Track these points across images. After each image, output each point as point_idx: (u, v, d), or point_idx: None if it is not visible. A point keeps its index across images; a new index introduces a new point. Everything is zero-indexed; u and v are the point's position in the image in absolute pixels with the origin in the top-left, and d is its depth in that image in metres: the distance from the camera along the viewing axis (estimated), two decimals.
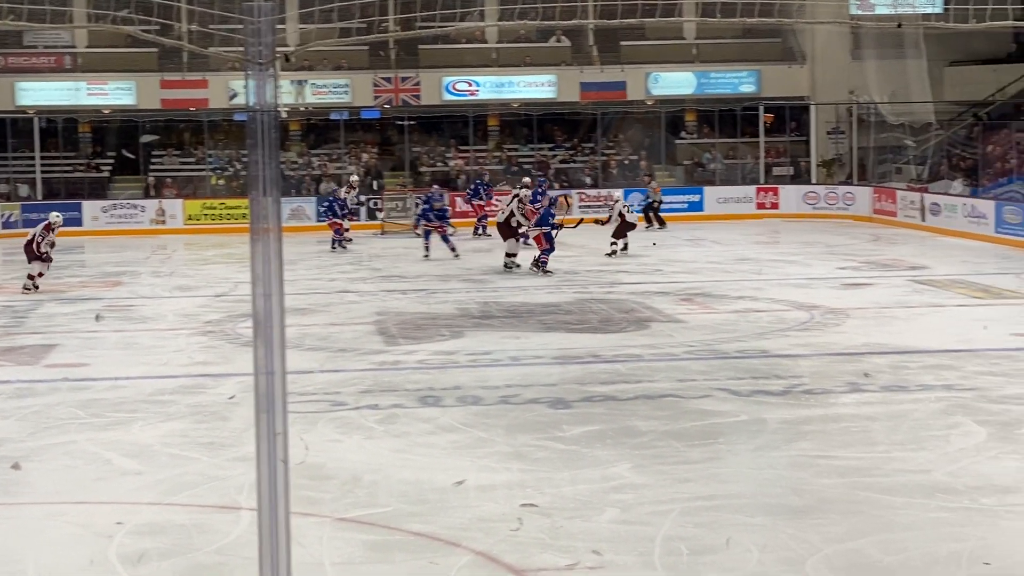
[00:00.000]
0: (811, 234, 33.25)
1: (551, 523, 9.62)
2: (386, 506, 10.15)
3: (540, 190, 28.64)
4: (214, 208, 37.65)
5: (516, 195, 27.55)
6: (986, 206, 31.57)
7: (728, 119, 41.54)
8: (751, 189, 39.51)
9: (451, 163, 40.77)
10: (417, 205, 33.03)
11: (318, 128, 41.69)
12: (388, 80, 39.86)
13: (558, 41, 41.85)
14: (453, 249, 28.40)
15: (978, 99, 39.75)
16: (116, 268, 27.64)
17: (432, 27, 7.97)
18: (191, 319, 20.42)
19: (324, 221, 32.44)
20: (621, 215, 28.61)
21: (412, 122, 40.88)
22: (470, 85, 40.45)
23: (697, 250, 29.77)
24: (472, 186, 35.97)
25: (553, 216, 25.86)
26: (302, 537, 8.76)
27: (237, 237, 32.77)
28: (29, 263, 23.55)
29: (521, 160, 41.01)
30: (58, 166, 39.82)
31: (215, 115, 39.89)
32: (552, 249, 25.38)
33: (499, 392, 14.37)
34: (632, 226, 28.88)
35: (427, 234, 28.99)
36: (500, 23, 38.42)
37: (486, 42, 41.72)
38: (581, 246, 28.96)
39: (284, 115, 39.17)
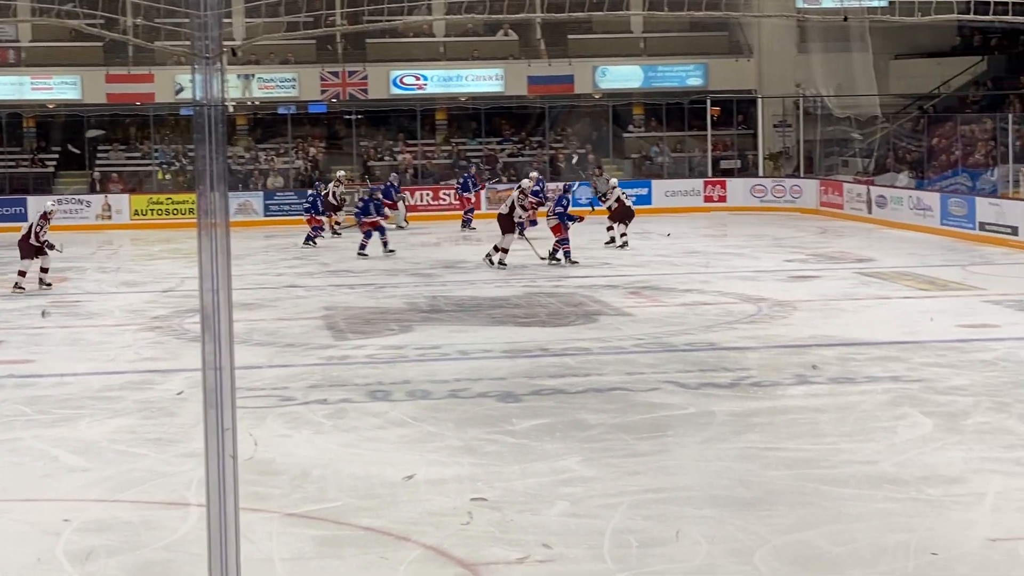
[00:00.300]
0: (758, 227, 33.39)
1: (501, 517, 9.63)
2: (335, 501, 10.13)
3: (541, 184, 28.44)
4: (160, 203, 37.45)
5: (519, 187, 27.11)
6: (931, 198, 31.81)
7: (675, 112, 41.61)
8: (699, 182, 39.63)
9: (399, 157, 40.69)
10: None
11: (265, 122, 41.51)
12: (335, 74, 39.75)
13: (506, 35, 41.84)
14: (386, 244, 28.07)
15: (923, 92, 40.01)
16: (61, 264, 27.37)
17: (379, 21, 7.96)
18: (138, 315, 20.31)
19: (306, 216, 31.84)
20: (619, 200, 28.68)
21: (360, 116, 40.80)
22: (418, 79, 40.40)
23: (645, 243, 29.80)
24: (461, 179, 35.85)
25: (569, 202, 25.92)
26: (251, 533, 8.72)
27: (184, 232, 32.63)
28: (22, 259, 22.99)
29: (469, 154, 41.01)
30: (2, 161, 39.47)
31: (161, 109, 39.69)
32: (568, 239, 25.50)
33: (448, 386, 14.37)
34: (631, 212, 28.89)
35: (368, 233, 28.19)
36: (448, 17, 38.29)
37: (434, 36, 41.66)
38: (532, 238, 28.93)
39: (231, 109, 38.99)
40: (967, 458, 11.09)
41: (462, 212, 34.79)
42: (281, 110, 40.63)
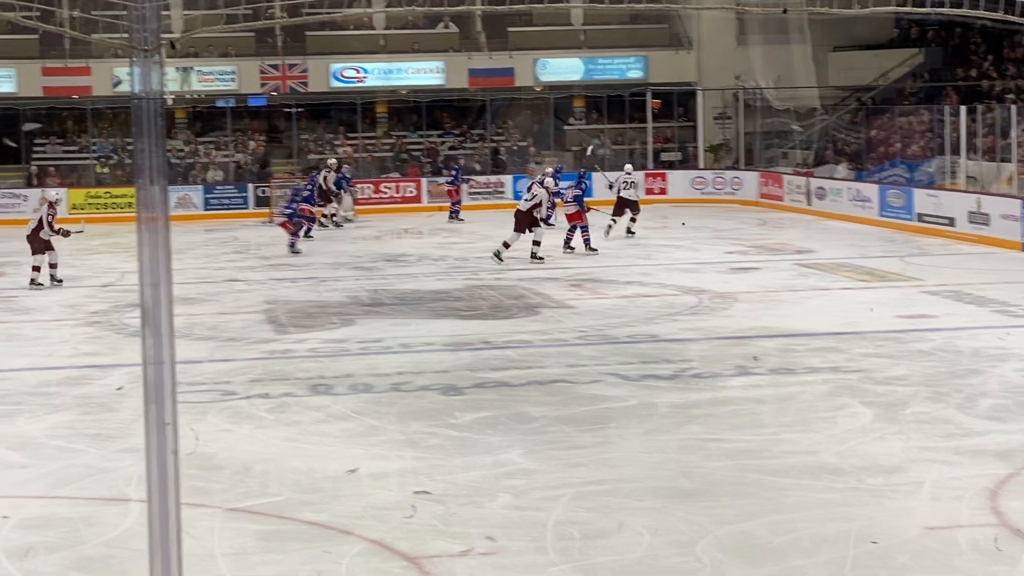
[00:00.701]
0: (699, 219, 33.49)
1: (444, 510, 9.63)
2: (278, 495, 10.09)
3: (558, 179, 28.30)
4: (99, 197, 37.14)
5: (543, 186, 26.18)
6: (870, 190, 32.04)
7: (616, 105, 41.70)
8: (639, 175, 39.63)
9: (340, 150, 40.56)
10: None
11: (204, 116, 41.25)
12: (275, 67, 39.59)
13: (446, 27, 41.79)
14: (292, 245, 27.64)
15: (861, 84, 40.30)
16: None
17: (319, 13, 7.91)
18: (76, 310, 20.16)
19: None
20: (619, 191, 28.67)
21: (300, 109, 40.65)
22: (358, 72, 40.28)
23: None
24: (453, 171, 35.65)
25: (585, 190, 26.00)
26: (193, 528, 8.67)
27: (123, 226, 32.40)
28: (33, 254, 22.66)
29: (410, 147, 40.93)
30: None
31: (99, 103, 39.33)
32: (587, 227, 25.78)
33: (390, 379, 14.34)
34: (629, 203, 28.84)
35: (295, 232, 27.89)
36: (388, 9, 38.30)
37: (374, 28, 41.56)
38: (472, 232, 28.96)
39: (170, 103, 38.72)
40: (906, 448, 11.18)
41: (450, 204, 34.72)
42: (220, 103, 40.37)
